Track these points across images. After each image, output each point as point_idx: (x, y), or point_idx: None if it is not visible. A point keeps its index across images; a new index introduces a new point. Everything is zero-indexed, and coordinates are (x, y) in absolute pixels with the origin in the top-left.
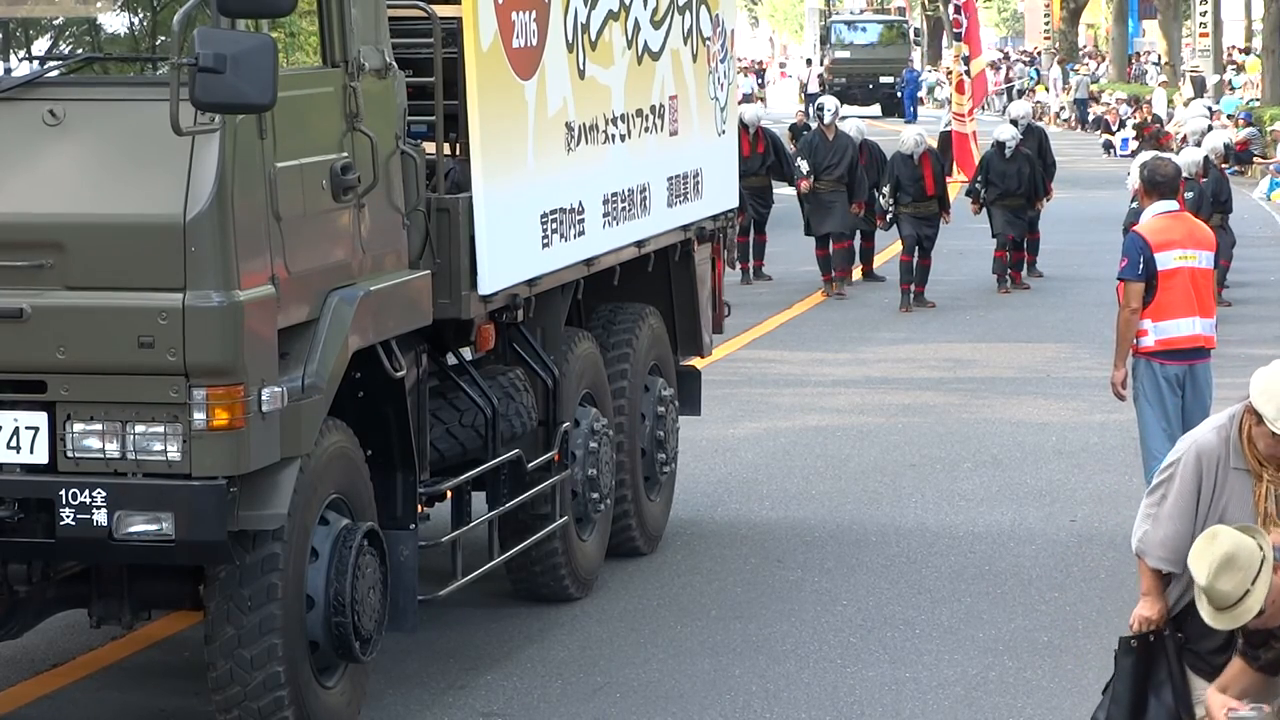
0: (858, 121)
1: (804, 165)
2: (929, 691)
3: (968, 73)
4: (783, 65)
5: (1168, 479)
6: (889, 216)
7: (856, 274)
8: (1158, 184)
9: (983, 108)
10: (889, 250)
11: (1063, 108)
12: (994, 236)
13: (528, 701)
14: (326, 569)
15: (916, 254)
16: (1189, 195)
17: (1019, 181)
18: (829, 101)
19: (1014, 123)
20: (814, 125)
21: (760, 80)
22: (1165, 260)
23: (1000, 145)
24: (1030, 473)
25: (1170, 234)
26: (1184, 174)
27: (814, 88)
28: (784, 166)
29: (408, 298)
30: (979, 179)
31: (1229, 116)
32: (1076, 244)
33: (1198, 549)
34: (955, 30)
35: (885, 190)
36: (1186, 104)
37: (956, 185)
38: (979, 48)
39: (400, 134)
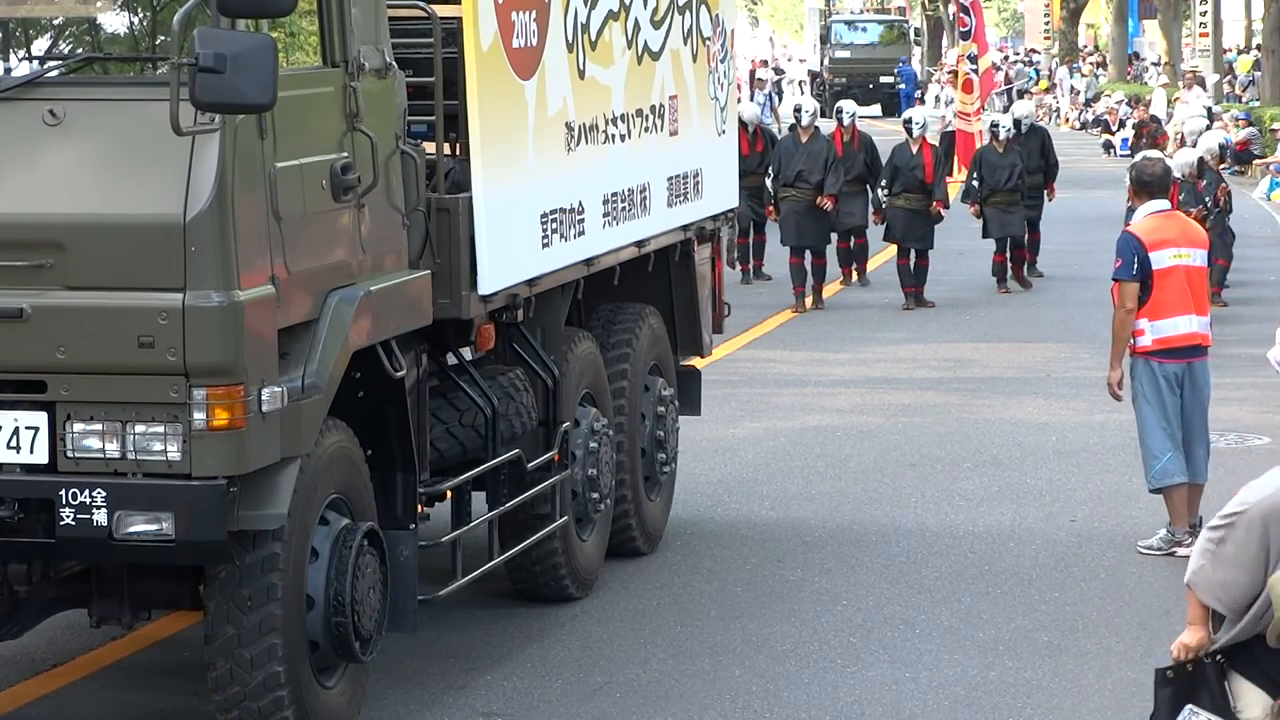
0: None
1: (769, 184)
2: (929, 691)
3: (975, 71)
4: (803, 61)
5: (1229, 527)
6: (884, 207)
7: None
8: (1146, 184)
9: (984, 108)
10: (887, 252)
11: (1074, 109)
12: (985, 238)
13: (528, 701)
14: (326, 569)
15: (913, 255)
16: (1181, 197)
17: (1009, 175)
18: (807, 103)
19: (1017, 123)
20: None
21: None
22: (1160, 259)
23: (995, 129)
24: (1030, 473)
25: (1164, 233)
26: (1177, 175)
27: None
28: None
29: (408, 298)
30: (974, 175)
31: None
32: (1076, 244)
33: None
34: (962, 29)
35: (883, 183)
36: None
37: (957, 186)
38: (985, 45)
39: (400, 134)
